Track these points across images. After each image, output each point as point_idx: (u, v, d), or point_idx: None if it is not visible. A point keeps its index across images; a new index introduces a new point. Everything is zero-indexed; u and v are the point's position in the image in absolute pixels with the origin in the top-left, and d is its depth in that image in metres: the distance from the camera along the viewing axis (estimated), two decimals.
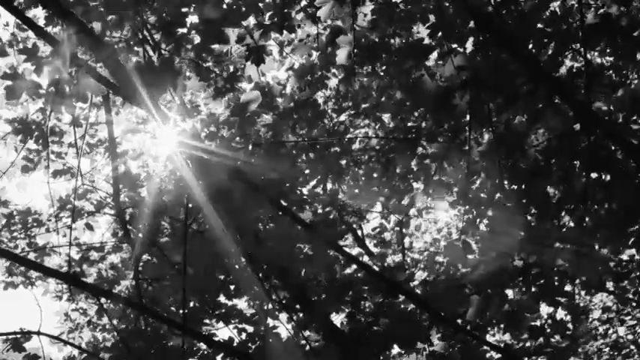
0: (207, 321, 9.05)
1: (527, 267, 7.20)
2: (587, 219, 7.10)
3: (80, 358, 10.37)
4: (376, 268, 8.61)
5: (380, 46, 7.70)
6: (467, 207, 7.92)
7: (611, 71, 7.01)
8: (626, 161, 6.91)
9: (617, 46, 6.59)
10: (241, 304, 9.14)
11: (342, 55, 7.65)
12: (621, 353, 8.57)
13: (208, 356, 8.36)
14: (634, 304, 8.72)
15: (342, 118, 8.74)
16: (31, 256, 10.77)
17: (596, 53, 7.03)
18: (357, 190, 8.63)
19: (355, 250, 9.68)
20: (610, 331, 8.89)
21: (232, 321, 8.99)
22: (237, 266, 8.52)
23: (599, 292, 8.32)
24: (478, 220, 7.80)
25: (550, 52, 6.92)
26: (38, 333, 8.63)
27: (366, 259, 9.62)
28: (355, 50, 7.50)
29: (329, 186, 8.85)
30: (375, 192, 8.68)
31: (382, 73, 8.01)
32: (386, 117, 8.48)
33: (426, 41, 7.24)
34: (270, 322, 8.39)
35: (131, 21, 7.23)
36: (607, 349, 8.42)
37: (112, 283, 10.93)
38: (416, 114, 8.15)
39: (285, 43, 8.72)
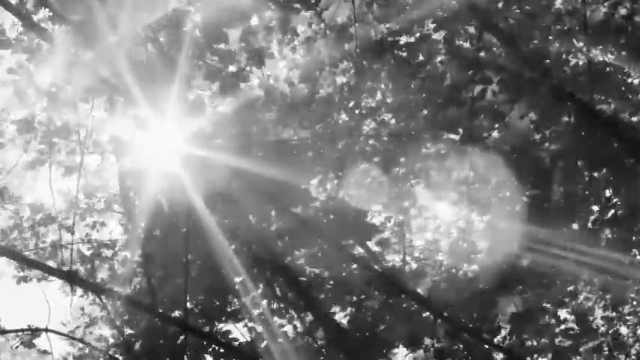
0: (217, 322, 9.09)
1: (532, 269, 7.15)
2: (591, 219, 7.03)
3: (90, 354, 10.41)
4: (378, 268, 8.59)
5: (386, 43, 7.67)
6: (473, 207, 7.88)
7: (611, 68, 6.92)
8: (631, 160, 6.83)
9: (622, 45, 6.50)
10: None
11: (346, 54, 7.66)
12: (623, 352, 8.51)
13: (219, 355, 8.39)
14: (634, 302, 8.66)
15: (347, 116, 8.69)
16: (41, 252, 10.82)
17: (598, 52, 6.94)
18: (359, 188, 8.59)
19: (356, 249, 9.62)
20: (611, 330, 8.84)
21: (242, 319, 9.02)
22: (241, 265, 8.53)
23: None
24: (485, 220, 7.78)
25: (554, 50, 6.83)
26: (46, 330, 8.67)
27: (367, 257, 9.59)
28: (357, 49, 7.47)
29: (331, 184, 8.81)
30: (378, 190, 8.64)
31: (388, 72, 7.95)
32: (390, 116, 8.42)
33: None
34: (277, 321, 8.40)
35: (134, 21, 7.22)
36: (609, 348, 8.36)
37: (125, 281, 10.97)
38: (422, 112, 8.08)
39: (288, 41, 8.69)
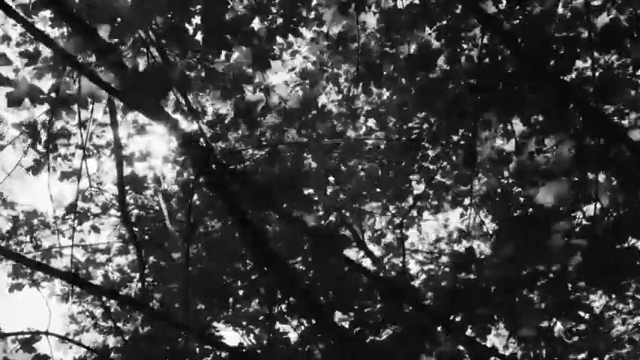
0: (214, 324, 9.05)
1: (536, 274, 7.14)
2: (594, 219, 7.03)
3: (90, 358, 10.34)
4: (378, 273, 8.58)
5: (386, 53, 7.68)
6: (476, 210, 7.89)
7: (617, 72, 6.96)
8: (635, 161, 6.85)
9: (627, 49, 6.52)
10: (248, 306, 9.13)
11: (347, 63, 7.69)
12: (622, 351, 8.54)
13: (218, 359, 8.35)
14: (633, 302, 8.73)
15: (347, 117, 8.72)
16: (37, 257, 10.75)
17: (603, 55, 6.97)
18: (359, 192, 8.60)
19: (355, 252, 9.64)
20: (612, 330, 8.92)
21: (240, 323, 8.99)
22: (242, 269, 8.51)
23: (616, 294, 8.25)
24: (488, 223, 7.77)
25: (559, 55, 6.83)
26: (47, 333, 8.63)
27: (367, 260, 9.61)
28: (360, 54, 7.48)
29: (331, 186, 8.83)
30: (377, 193, 8.65)
31: (389, 79, 7.95)
32: (391, 118, 8.44)
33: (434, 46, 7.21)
34: (279, 326, 8.36)
35: (136, 26, 7.16)
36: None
37: (118, 285, 10.94)
38: (420, 115, 8.09)
39: (287, 47, 8.70)
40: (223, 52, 7.53)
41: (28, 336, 8.60)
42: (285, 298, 8.37)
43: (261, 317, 8.71)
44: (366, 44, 7.66)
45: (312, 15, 7.68)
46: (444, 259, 9.86)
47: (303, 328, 8.32)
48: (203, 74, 7.87)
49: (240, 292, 8.58)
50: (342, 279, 8.23)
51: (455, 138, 7.89)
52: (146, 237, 9.73)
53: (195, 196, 8.31)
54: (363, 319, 7.98)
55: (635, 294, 8.79)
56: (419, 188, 8.88)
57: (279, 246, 8.41)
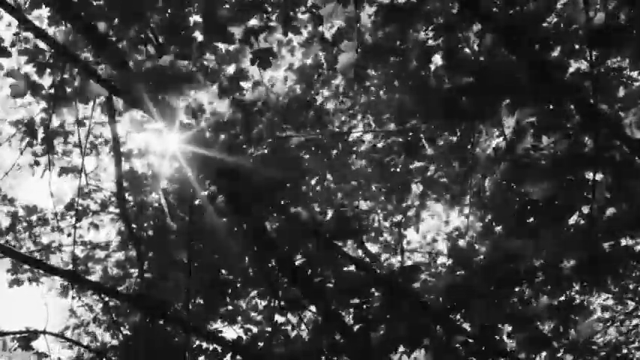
0: (212, 321, 9.08)
1: (534, 270, 7.15)
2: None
3: (87, 357, 10.36)
4: (376, 269, 8.59)
5: (385, 48, 7.66)
6: (472, 208, 7.89)
7: (613, 72, 6.96)
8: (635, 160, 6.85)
9: (624, 48, 6.52)
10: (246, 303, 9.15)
11: (345, 58, 7.64)
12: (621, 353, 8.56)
13: (216, 355, 8.36)
14: (633, 303, 8.74)
15: (345, 117, 8.73)
16: (36, 254, 10.77)
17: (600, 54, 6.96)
18: (356, 189, 8.62)
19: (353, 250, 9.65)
20: (610, 331, 8.94)
21: (238, 321, 9.01)
22: (242, 264, 8.52)
23: (602, 291, 8.27)
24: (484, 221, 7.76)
25: (556, 53, 6.84)
26: (44, 332, 8.66)
27: (366, 259, 9.62)
28: (359, 51, 7.45)
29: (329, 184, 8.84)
30: (375, 191, 8.67)
31: (386, 75, 7.95)
32: (387, 117, 8.45)
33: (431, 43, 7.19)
34: (279, 320, 8.39)
35: (135, 22, 7.18)
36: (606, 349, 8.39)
37: (117, 281, 10.95)
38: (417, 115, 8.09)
39: (286, 43, 8.70)
40: (222, 49, 7.57)
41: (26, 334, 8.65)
42: (286, 291, 8.41)
43: (259, 312, 8.72)
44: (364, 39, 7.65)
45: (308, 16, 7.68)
46: (443, 257, 9.89)
47: (303, 323, 8.34)
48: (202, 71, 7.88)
49: (239, 286, 8.60)
50: (343, 275, 8.26)
51: (451, 136, 7.90)
52: (145, 233, 9.74)
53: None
54: (362, 314, 8.01)
55: (635, 295, 8.81)
56: (417, 187, 8.89)
57: (279, 241, 8.44)
